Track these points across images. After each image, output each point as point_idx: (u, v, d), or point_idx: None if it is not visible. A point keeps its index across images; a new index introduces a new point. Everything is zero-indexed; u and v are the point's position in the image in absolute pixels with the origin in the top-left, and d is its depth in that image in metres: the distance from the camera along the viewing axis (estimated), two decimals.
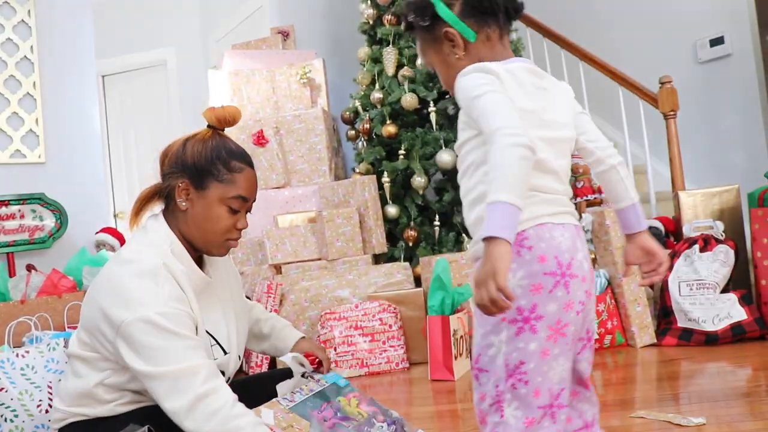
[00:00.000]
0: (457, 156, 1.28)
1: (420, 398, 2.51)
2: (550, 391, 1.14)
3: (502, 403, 1.14)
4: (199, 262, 1.54)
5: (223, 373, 1.50)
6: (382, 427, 1.40)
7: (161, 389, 1.28)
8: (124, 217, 5.73)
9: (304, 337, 1.79)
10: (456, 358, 2.74)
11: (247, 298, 3.33)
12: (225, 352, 1.51)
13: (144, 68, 5.92)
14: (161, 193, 1.49)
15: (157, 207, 1.52)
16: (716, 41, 4.45)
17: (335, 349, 2.97)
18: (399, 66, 3.71)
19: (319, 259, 3.50)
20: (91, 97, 3.82)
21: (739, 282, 3.08)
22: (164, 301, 1.32)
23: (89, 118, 3.79)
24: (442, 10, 1.25)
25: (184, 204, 1.46)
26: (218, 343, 1.51)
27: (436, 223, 3.52)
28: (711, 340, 2.82)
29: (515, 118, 1.08)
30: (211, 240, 1.47)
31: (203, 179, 1.44)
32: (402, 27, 1.45)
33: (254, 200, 1.52)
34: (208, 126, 1.53)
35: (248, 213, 1.53)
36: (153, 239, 1.45)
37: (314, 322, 3.16)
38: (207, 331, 1.48)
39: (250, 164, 1.51)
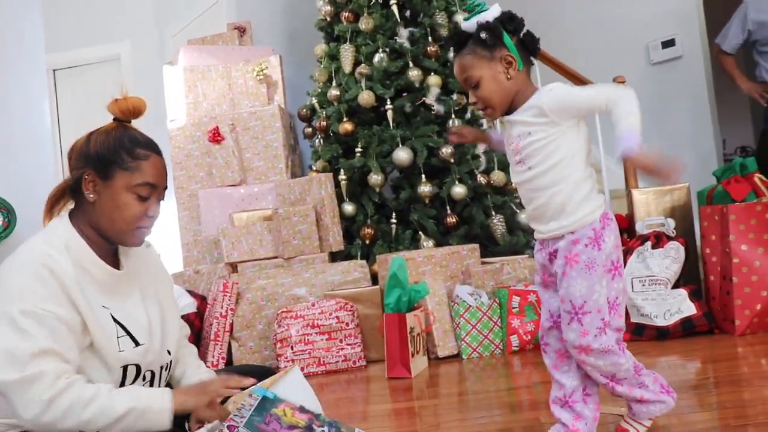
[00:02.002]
0: (515, 152, 1.63)
1: (377, 396, 2.51)
2: (622, 314, 1.65)
3: (605, 328, 1.58)
4: (116, 256, 1.55)
5: (138, 367, 1.49)
6: (324, 431, 1.39)
7: (12, 400, 1.31)
8: None
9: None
10: (413, 355, 2.74)
11: (203, 297, 3.31)
12: (137, 344, 1.49)
13: (97, 63, 5.78)
14: (70, 189, 1.50)
15: (70, 204, 1.53)
16: (667, 43, 4.55)
17: (292, 348, 2.95)
18: (356, 63, 3.70)
19: (276, 258, 3.47)
20: (41, 91, 3.71)
21: (689, 278, 3.15)
22: (32, 300, 1.34)
23: (39, 113, 3.68)
24: (507, 39, 1.60)
25: (91, 195, 1.46)
26: (129, 333, 1.49)
27: (393, 220, 3.52)
28: (662, 334, 2.88)
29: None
30: (122, 229, 1.47)
31: (108, 169, 1.45)
32: (453, 38, 1.67)
33: (165, 187, 1.53)
34: (114, 119, 1.53)
35: (161, 201, 1.53)
36: (48, 237, 1.44)
37: (271, 320, 3.14)
38: (116, 320, 1.48)
39: (157, 151, 1.51)
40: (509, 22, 1.61)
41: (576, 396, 1.68)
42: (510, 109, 1.65)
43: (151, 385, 1.55)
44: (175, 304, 1.74)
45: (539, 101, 1.57)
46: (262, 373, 1.69)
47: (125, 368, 1.46)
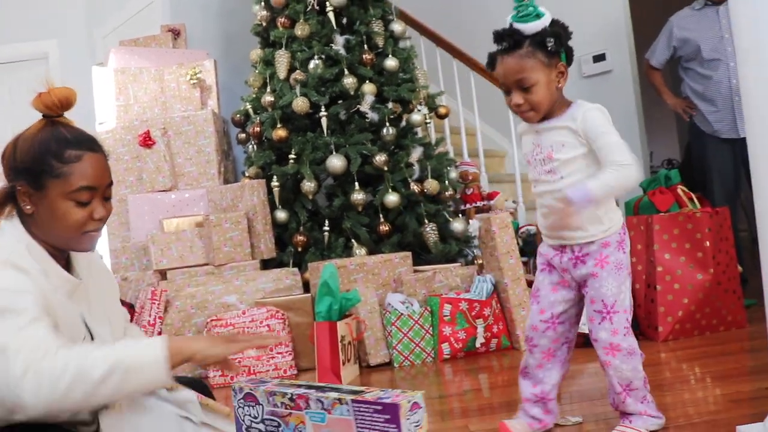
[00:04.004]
0: (547, 161, 1.73)
1: None
2: None
3: (630, 329, 1.74)
4: (68, 263, 1.46)
5: None
6: None
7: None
8: None
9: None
10: (344, 364, 2.72)
11: (131, 305, 3.22)
12: None
13: (23, 60, 5.57)
14: (8, 198, 1.39)
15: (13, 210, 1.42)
16: (599, 57, 4.67)
17: None
18: (291, 69, 3.66)
19: (206, 265, 3.40)
20: None
21: None
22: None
23: None
24: (564, 52, 1.71)
25: (28, 207, 1.36)
26: (92, 338, 1.43)
27: (326, 228, 3.49)
28: (589, 341, 2.92)
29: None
30: (68, 236, 1.38)
31: (38, 179, 1.34)
32: (510, 37, 1.70)
33: (108, 184, 1.42)
34: (43, 116, 1.42)
35: (108, 198, 1.43)
36: (6, 241, 1.35)
37: (200, 329, 3.07)
38: (86, 324, 1.42)
39: (91, 148, 1.39)
40: (566, 33, 1.70)
41: (552, 394, 1.85)
42: (543, 117, 1.73)
43: None
44: (121, 309, 1.67)
45: (574, 117, 1.68)
46: (192, 385, 1.65)
47: None
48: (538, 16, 1.66)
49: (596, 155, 1.67)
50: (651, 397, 1.82)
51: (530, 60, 1.66)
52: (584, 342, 2.89)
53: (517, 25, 1.67)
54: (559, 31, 1.68)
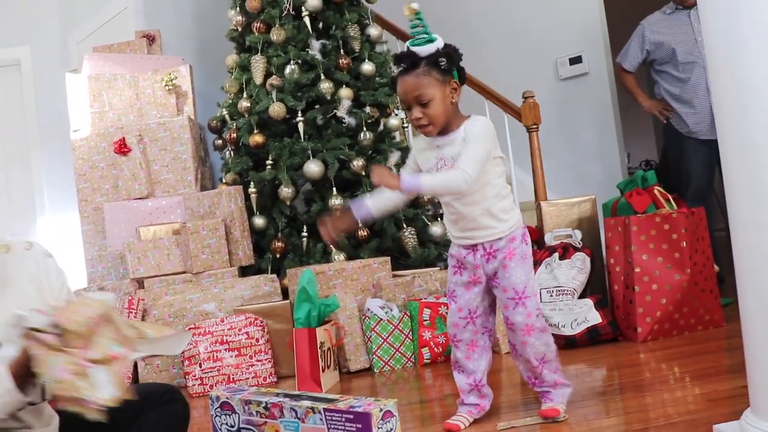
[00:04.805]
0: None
1: None
2: None
3: (540, 310, 2.01)
4: None
5: None
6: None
7: None
8: None
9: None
10: (323, 370, 2.70)
11: None
12: None
13: None
14: None
15: None
16: (575, 60, 4.69)
17: (200, 365, 2.86)
18: (267, 75, 3.64)
19: (184, 273, 3.36)
20: None
21: (595, 287, 3.23)
22: None
23: None
24: (456, 72, 1.92)
25: None
26: None
27: (304, 234, 3.47)
28: (569, 343, 2.93)
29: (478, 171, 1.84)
30: None
31: None
32: (407, 58, 1.91)
33: None
34: None
35: None
36: None
37: None
38: None
39: None
40: (456, 54, 1.91)
41: (484, 380, 2.05)
42: (441, 131, 1.93)
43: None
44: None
45: (467, 131, 1.89)
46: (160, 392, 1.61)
47: None
48: (431, 40, 1.89)
49: (490, 160, 1.90)
50: (560, 366, 2.07)
51: (426, 78, 1.87)
52: (564, 344, 2.91)
53: (414, 48, 1.89)
54: (450, 52, 1.89)
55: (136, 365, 3.00)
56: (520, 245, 1.96)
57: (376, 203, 2.04)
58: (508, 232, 1.96)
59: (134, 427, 1.52)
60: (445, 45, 1.91)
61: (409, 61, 1.90)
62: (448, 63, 1.88)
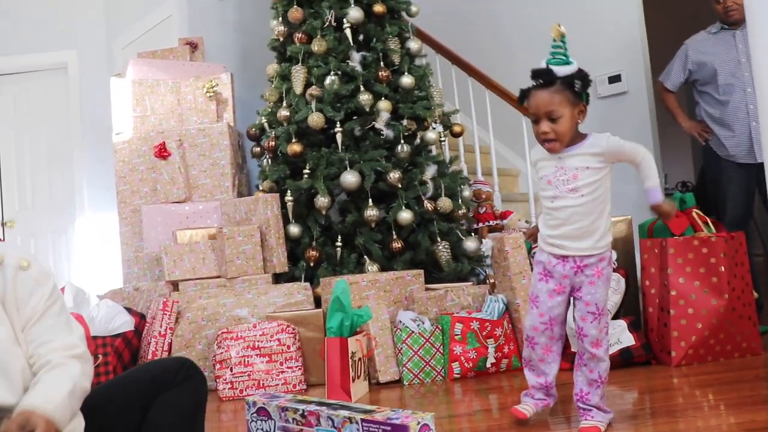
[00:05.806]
0: (571, 181, 2.04)
1: None
2: None
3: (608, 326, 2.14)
4: None
5: None
6: None
7: None
8: (14, 225, 5.43)
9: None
10: (354, 380, 2.71)
11: (142, 315, 3.22)
12: None
13: (43, 70, 5.62)
14: None
15: None
16: (614, 78, 4.66)
17: (231, 370, 2.89)
18: (307, 85, 3.67)
19: (218, 277, 3.41)
20: None
21: (629, 309, 3.20)
22: None
23: None
24: (586, 95, 2.04)
25: None
26: None
27: (338, 243, 3.49)
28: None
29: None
30: None
31: None
32: (545, 75, 2.03)
33: None
34: None
35: None
36: None
37: (211, 341, 3.07)
38: None
39: None
40: (587, 80, 2.03)
41: (553, 383, 2.21)
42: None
43: None
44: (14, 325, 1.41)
45: (599, 144, 2.01)
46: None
47: None
48: (568, 63, 2.02)
49: (608, 177, 2.05)
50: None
51: (560, 96, 1.99)
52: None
53: (552, 67, 2.01)
54: (585, 77, 2.02)
55: None
56: (607, 267, 2.09)
57: None
58: (601, 251, 2.07)
59: (151, 414, 1.44)
60: (579, 69, 2.02)
61: (546, 78, 2.01)
62: (581, 87, 2.01)
